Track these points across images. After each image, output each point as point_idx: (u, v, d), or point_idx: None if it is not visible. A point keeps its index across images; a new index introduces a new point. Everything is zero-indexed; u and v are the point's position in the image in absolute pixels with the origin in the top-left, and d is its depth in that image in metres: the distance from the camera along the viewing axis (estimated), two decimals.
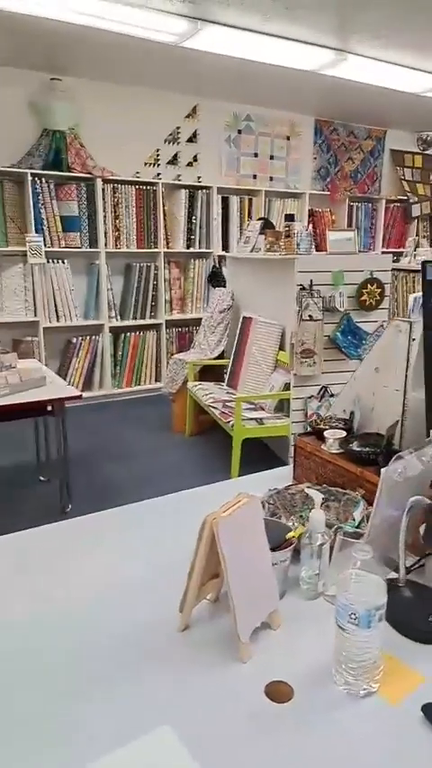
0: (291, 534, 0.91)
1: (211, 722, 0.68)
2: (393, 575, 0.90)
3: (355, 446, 1.16)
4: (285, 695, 0.72)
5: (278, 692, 0.72)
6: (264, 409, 3.28)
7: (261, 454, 3.44)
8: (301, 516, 1.10)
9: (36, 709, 0.70)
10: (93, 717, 0.69)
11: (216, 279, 4.95)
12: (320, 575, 0.90)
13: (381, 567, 0.88)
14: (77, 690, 0.73)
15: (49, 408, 2.59)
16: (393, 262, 3.26)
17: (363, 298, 3.07)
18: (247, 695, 0.72)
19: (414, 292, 4.54)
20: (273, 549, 0.87)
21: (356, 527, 1.00)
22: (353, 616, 0.68)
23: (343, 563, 0.83)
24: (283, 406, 3.20)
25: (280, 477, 1.37)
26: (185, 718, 0.68)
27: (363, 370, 1.30)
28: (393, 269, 3.43)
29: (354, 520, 1.03)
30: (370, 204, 5.89)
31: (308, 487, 1.13)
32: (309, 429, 2.92)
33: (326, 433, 1.22)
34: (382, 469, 0.83)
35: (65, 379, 3.86)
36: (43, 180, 4.10)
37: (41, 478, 3.12)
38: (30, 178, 4.01)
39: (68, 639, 0.82)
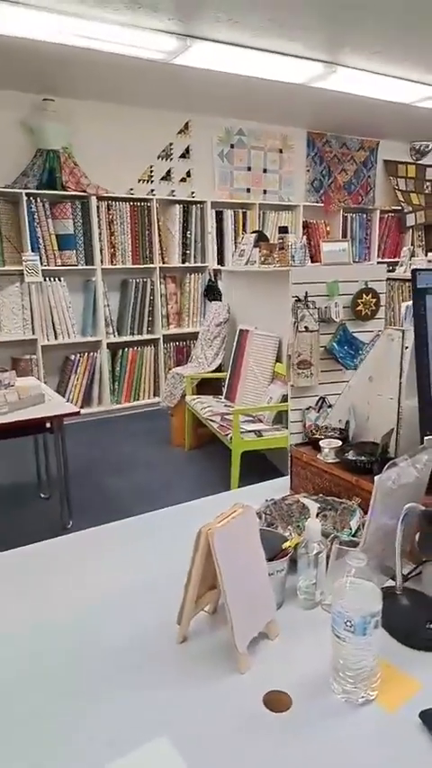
0: (287, 544, 0.91)
1: (210, 733, 0.68)
2: (390, 582, 0.90)
3: (350, 455, 1.17)
4: (284, 705, 0.72)
5: (277, 702, 0.72)
6: (262, 421, 3.28)
7: (260, 466, 3.43)
8: (298, 526, 1.10)
9: (36, 720, 0.70)
10: (91, 728, 0.69)
11: (212, 292, 4.99)
12: (318, 584, 0.91)
13: (377, 574, 0.88)
14: (76, 701, 0.73)
15: (48, 425, 2.59)
16: (388, 271, 3.29)
17: (358, 308, 3.07)
18: (245, 705, 0.72)
19: (408, 301, 4.58)
20: (269, 560, 0.87)
21: (353, 535, 1.01)
22: (348, 624, 0.69)
23: (339, 572, 0.83)
24: (281, 418, 3.20)
25: (277, 487, 1.38)
26: (184, 730, 0.68)
27: (357, 379, 1.31)
28: (388, 279, 3.46)
29: (350, 528, 1.04)
30: (364, 215, 5.96)
31: (304, 497, 1.14)
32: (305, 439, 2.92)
33: (321, 443, 1.23)
34: (376, 477, 0.84)
35: (64, 396, 3.88)
36: (38, 199, 4.16)
37: (42, 495, 3.11)
38: (25, 198, 4.07)
39: (68, 653, 0.82)
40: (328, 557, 0.92)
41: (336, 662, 0.72)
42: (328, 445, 1.22)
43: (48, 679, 0.77)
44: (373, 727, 0.68)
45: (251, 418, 3.31)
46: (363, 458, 1.16)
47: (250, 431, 3.10)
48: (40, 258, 4.18)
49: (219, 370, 3.95)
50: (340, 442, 1.23)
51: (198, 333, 4.36)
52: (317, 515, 1.06)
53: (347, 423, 1.32)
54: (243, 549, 0.82)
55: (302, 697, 0.73)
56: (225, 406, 3.55)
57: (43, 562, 1.08)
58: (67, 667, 0.79)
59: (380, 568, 0.91)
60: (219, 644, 0.83)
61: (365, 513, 1.08)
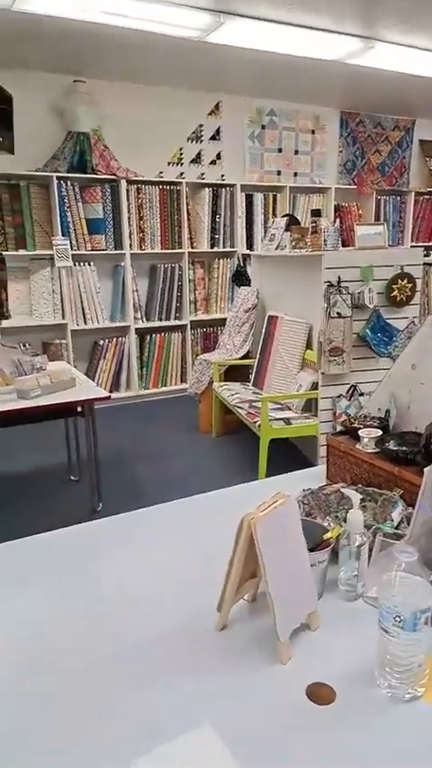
0: (328, 535, 0.89)
1: (253, 722, 0.67)
2: None
3: (391, 445, 1.14)
4: (327, 697, 0.71)
5: (320, 695, 0.71)
6: (291, 409, 3.25)
7: (288, 454, 3.41)
8: (336, 517, 1.08)
9: (76, 708, 0.70)
10: (133, 714, 0.69)
11: (240, 278, 4.93)
12: (359, 576, 0.89)
13: (423, 569, 0.86)
14: (117, 688, 0.73)
15: (79, 409, 2.62)
16: (424, 256, 3.18)
17: (393, 293, 3.01)
18: (288, 696, 0.71)
19: None
20: (310, 550, 0.85)
21: (395, 528, 0.98)
22: (398, 619, 0.67)
23: (383, 564, 0.81)
24: (310, 406, 3.16)
25: (311, 476, 1.35)
26: (226, 718, 0.68)
27: (398, 367, 1.27)
28: (424, 263, 3.35)
29: (392, 520, 1.01)
30: (398, 197, 5.78)
31: (343, 487, 1.11)
32: (338, 428, 2.88)
33: (361, 432, 1.20)
34: (426, 469, 0.81)
35: (93, 381, 3.91)
36: (68, 183, 4.16)
37: (72, 478, 3.16)
38: (55, 181, 4.07)
39: (103, 638, 0.82)
40: (370, 549, 0.90)
41: (382, 657, 0.70)
42: (368, 435, 1.18)
43: (86, 666, 0.77)
44: (421, 723, 0.66)
45: (279, 406, 3.27)
46: (405, 448, 1.12)
47: (279, 418, 3.07)
48: (70, 242, 4.20)
49: (246, 356, 3.92)
50: (380, 432, 1.19)
51: (226, 319, 4.33)
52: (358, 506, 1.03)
53: (387, 412, 1.28)
54: (285, 539, 0.80)
55: (346, 690, 0.72)
56: (253, 393, 3.52)
57: (78, 546, 1.09)
58: (103, 655, 0.79)
59: (425, 562, 0.88)
60: (259, 633, 0.82)
61: (408, 505, 1.05)
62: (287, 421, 3.06)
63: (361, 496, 1.07)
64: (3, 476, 3.24)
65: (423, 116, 5.79)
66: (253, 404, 3.28)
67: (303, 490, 1.14)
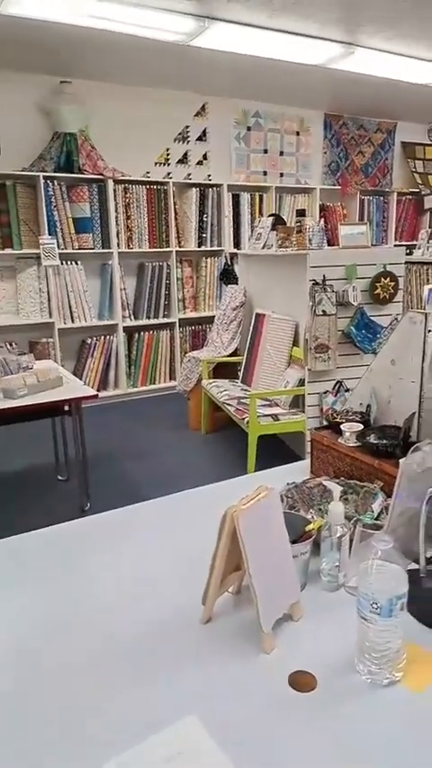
0: (310, 526, 0.91)
1: (238, 712, 0.69)
2: (414, 566, 0.90)
3: (372, 439, 1.16)
4: (309, 685, 0.73)
5: (302, 682, 0.73)
6: (279, 405, 3.28)
7: (277, 450, 3.44)
8: (319, 509, 1.10)
9: (64, 702, 0.71)
10: (120, 707, 0.70)
11: (228, 276, 4.96)
12: (341, 566, 0.91)
13: (401, 557, 0.88)
14: (103, 682, 0.74)
15: (67, 408, 2.62)
16: (406, 254, 3.23)
17: (376, 291, 3.05)
18: (271, 685, 0.73)
19: (429, 284, 4.49)
20: (293, 542, 0.87)
21: (375, 519, 1.01)
22: (375, 605, 0.69)
23: (363, 554, 0.83)
24: (298, 402, 3.19)
25: (297, 470, 1.38)
26: (212, 709, 0.69)
27: (378, 362, 1.30)
28: (407, 262, 3.40)
29: (372, 512, 1.03)
30: (381, 197, 5.84)
31: (326, 480, 1.14)
32: (325, 423, 2.91)
33: (343, 427, 1.22)
34: (401, 461, 0.84)
35: (80, 380, 3.90)
36: (55, 182, 4.14)
37: (60, 477, 3.16)
38: (42, 181, 4.06)
39: (92, 633, 0.84)
40: (351, 540, 0.92)
41: (361, 643, 0.73)
42: (350, 429, 1.21)
43: (72, 661, 0.78)
44: (399, 707, 0.69)
45: (267, 402, 3.30)
46: (384, 441, 1.15)
47: (267, 415, 3.10)
48: (57, 241, 4.18)
49: (235, 354, 3.94)
50: (362, 426, 1.22)
51: (214, 317, 4.35)
52: (339, 498, 1.06)
53: (368, 406, 1.30)
54: (268, 531, 0.82)
55: (327, 677, 0.74)
56: (241, 389, 3.54)
57: (64, 544, 1.09)
58: (91, 650, 0.80)
59: (403, 551, 0.91)
60: (243, 624, 0.84)
61: (388, 496, 1.07)
62: (275, 417, 3.09)
63: (342, 488, 1.09)
64: None
65: (404, 119, 5.86)
66: (241, 400, 3.30)
67: (287, 484, 1.16)
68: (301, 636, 0.82)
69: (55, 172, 4.14)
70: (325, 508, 1.09)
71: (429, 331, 1.19)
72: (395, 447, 1.11)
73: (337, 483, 1.12)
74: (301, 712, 0.69)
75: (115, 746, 0.64)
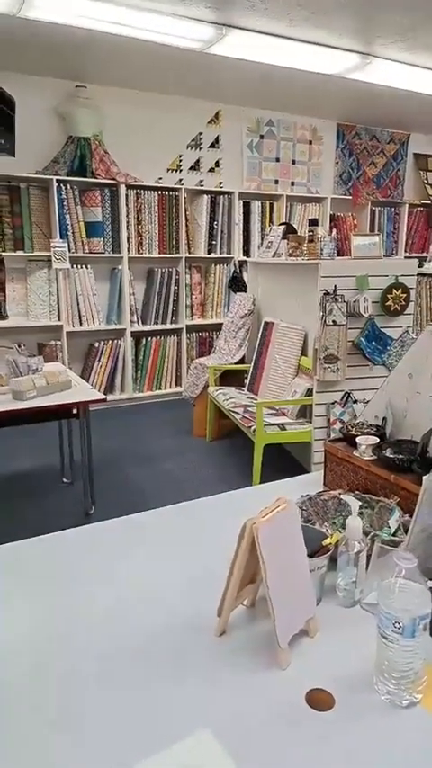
0: (327, 541, 0.90)
1: (253, 727, 0.68)
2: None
3: (388, 453, 1.15)
4: (326, 703, 0.71)
5: (319, 700, 0.71)
6: (285, 415, 3.26)
7: (282, 460, 3.42)
8: (334, 523, 1.09)
9: (75, 713, 0.70)
10: (134, 719, 0.69)
11: (237, 284, 4.96)
12: (357, 582, 0.89)
13: (420, 576, 0.87)
14: (113, 692, 0.73)
15: (74, 411, 2.62)
16: (418, 267, 3.22)
17: (387, 303, 3.04)
18: (287, 702, 0.71)
19: None
20: (309, 556, 0.86)
21: (392, 535, 0.99)
22: (397, 625, 0.67)
23: (381, 571, 0.82)
24: (305, 412, 3.18)
25: (308, 483, 1.37)
26: (226, 723, 0.68)
27: (395, 375, 1.29)
28: (418, 274, 3.39)
29: (389, 527, 1.02)
30: (392, 208, 5.85)
31: (341, 494, 1.12)
32: (334, 435, 2.89)
33: (358, 440, 1.21)
34: (425, 477, 0.82)
35: (87, 383, 3.89)
36: (68, 186, 4.17)
37: (65, 480, 3.15)
38: (55, 184, 4.08)
39: (101, 642, 0.82)
40: (368, 555, 0.91)
41: (381, 663, 0.71)
42: (366, 442, 1.20)
43: (80, 672, 0.77)
44: (419, 730, 0.67)
45: (274, 411, 3.29)
46: (401, 456, 1.14)
47: (273, 424, 3.09)
48: (68, 245, 4.20)
49: (242, 361, 3.93)
50: (378, 439, 1.21)
51: (221, 324, 4.35)
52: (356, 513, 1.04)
53: (384, 420, 1.29)
54: (286, 545, 0.81)
55: (345, 696, 0.72)
56: (248, 398, 3.53)
57: (74, 550, 1.08)
58: (102, 659, 0.79)
59: (422, 570, 0.89)
60: (258, 638, 0.83)
61: (404, 512, 1.06)
62: (282, 426, 3.07)
63: (359, 503, 1.08)
64: None
65: (418, 130, 5.88)
66: (248, 409, 3.29)
67: (302, 496, 1.15)
68: (317, 652, 0.80)
69: (68, 176, 4.16)
70: (340, 522, 1.08)
71: None
72: (412, 462, 1.09)
73: (353, 497, 1.10)
74: (318, 731, 0.67)
75: (123, 759, 0.63)
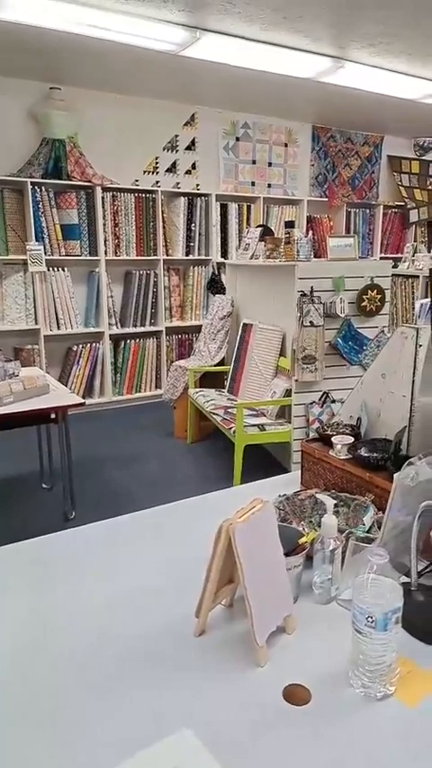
0: (303, 539, 0.92)
1: (232, 724, 0.69)
2: (405, 579, 0.91)
3: (363, 452, 1.17)
4: (303, 698, 0.73)
5: (296, 695, 0.73)
6: (265, 415, 3.29)
7: (262, 460, 3.45)
8: (311, 521, 1.11)
9: (55, 716, 0.70)
10: (113, 721, 0.69)
11: (215, 286, 4.98)
12: (333, 579, 0.91)
13: (393, 571, 0.89)
14: (95, 695, 0.73)
15: (53, 416, 2.59)
16: (392, 268, 3.29)
17: (363, 303, 3.09)
18: (265, 698, 0.73)
19: (414, 298, 4.58)
20: (286, 555, 0.88)
21: (367, 532, 1.01)
22: (370, 619, 0.69)
23: (355, 567, 0.84)
24: (284, 413, 3.21)
25: (286, 482, 1.38)
26: (206, 721, 0.69)
27: (369, 376, 1.31)
28: (392, 275, 3.46)
29: (363, 525, 1.04)
30: (368, 210, 5.94)
31: (317, 493, 1.15)
32: (312, 435, 2.93)
33: (334, 439, 1.23)
34: (395, 475, 0.85)
35: (66, 387, 3.86)
36: (43, 188, 4.13)
37: (44, 486, 3.12)
38: (30, 187, 4.04)
39: (82, 646, 0.83)
40: (343, 552, 0.93)
41: (355, 657, 0.73)
42: (341, 441, 1.22)
43: (63, 674, 0.77)
44: (394, 721, 0.69)
45: (254, 412, 3.31)
46: (376, 454, 1.16)
47: (253, 425, 3.11)
48: (44, 248, 4.16)
49: (221, 363, 3.95)
50: (353, 439, 1.23)
51: (201, 326, 4.36)
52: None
53: (359, 419, 1.32)
54: (262, 544, 0.82)
55: (321, 691, 0.74)
56: (228, 399, 3.55)
57: (51, 556, 1.08)
58: (81, 663, 0.79)
59: (394, 565, 0.92)
60: (236, 637, 0.84)
61: (379, 509, 1.09)
62: (261, 427, 3.10)
63: (335, 501, 1.10)
64: None
65: (391, 133, 5.99)
66: (228, 410, 3.31)
67: (279, 496, 1.17)
68: (294, 649, 0.82)
69: (43, 178, 4.13)
70: (316, 520, 1.10)
71: (420, 345, 1.21)
72: (386, 460, 1.12)
73: (329, 495, 1.13)
74: (295, 725, 0.69)
75: (108, 762, 0.64)
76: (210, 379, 3.94)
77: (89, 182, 4.30)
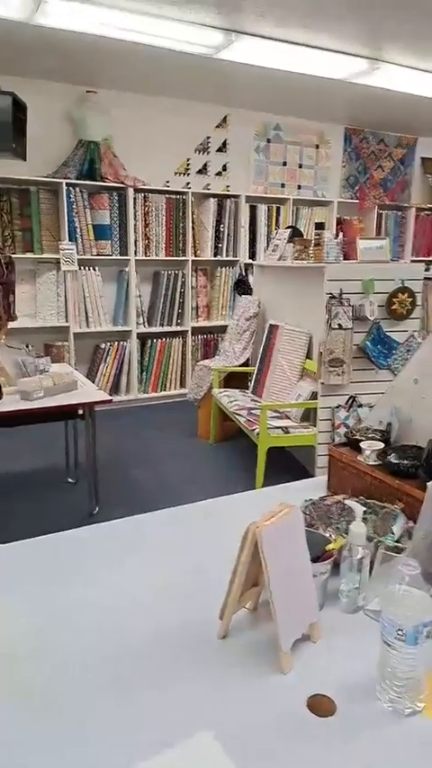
0: (331, 546, 0.90)
1: (254, 730, 0.68)
2: None
3: (393, 458, 1.15)
4: (328, 709, 0.71)
5: (321, 706, 0.72)
6: (289, 418, 3.26)
7: (285, 463, 3.42)
8: (337, 528, 1.09)
9: (78, 712, 0.71)
10: (135, 720, 0.69)
11: (242, 287, 4.96)
12: (360, 588, 0.89)
13: (424, 583, 0.87)
14: (117, 694, 0.74)
15: (80, 412, 2.63)
16: (424, 271, 3.21)
17: (393, 307, 3.03)
18: (289, 706, 0.72)
19: None
20: (312, 561, 0.86)
21: (396, 541, 0.99)
22: (400, 632, 0.67)
23: (384, 577, 0.82)
24: (309, 416, 3.18)
25: (312, 487, 1.37)
26: (228, 725, 0.68)
27: (401, 380, 1.29)
28: (424, 278, 3.38)
29: (393, 534, 1.02)
30: (399, 212, 5.84)
31: (345, 499, 1.13)
32: (338, 439, 2.89)
33: (363, 445, 1.21)
34: (429, 483, 0.82)
35: (93, 384, 3.91)
36: (77, 189, 4.19)
37: (69, 480, 3.16)
38: (65, 187, 4.11)
39: (102, 643, 0.83)
40: (371, 561, 0.91)
41: (383, 670, 0.71)
42: (370, 447, 1.20)
43: (80, 671, 0.78)
44: (421, 739, 0.67)
45: (278, 414, 3.29)
46: (406, 462, 1.14)
47: (277, 427, 3.08)
48: (77, 247, 4.23)
49: (246, 364, 3.94)
50: (382, 445, 1.21)
51: (226, 326, 4.35)
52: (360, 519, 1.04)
53: (389, 425, 1.29)
54: (289, 549, 0.81)
55: (346, 702, 0.72)
56: (252, 400, 3.54)
57: (77, 550, 1.09)
58: (104, 660, 0.79)
59: (426, 577, 0.89)
60: (260, 642, 0.83)
61: (408, 518, 1.06)
62: (285, 430, 3.07)
63: (364, 509, 1.08)
64: (1, 476, 3.24)
65: (425, 134, 5.87)
66: (252, 411, 3.29)
67: (305, 500, 1.15)
68: (319, 657, 0.81)
69: (77, 179, 4.19)
70: (343, 527, 1.08)
71: None
72: (417, 468, 1.09)
73: (357, 502, 1.10)
74: (319, 737, 0.67)
75: (128, 760, 0.63)
76: (235, 380, 3.93)
77: (122, 183, 4.34)
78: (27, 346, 2.72)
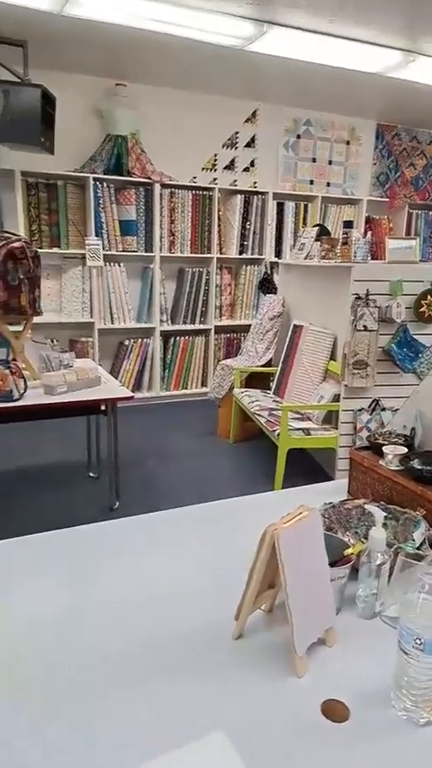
0: (349, 551, 0.89)
1: (267, 733, 0.68)
2: None
3: (416, 464, 1.13)
4: (342, 715, 0.71)
5: (335, 711, 0.71)
6: (311, 420, 3.23)
7: (305, 465, 3.39)
8: (356, 533, 1.08)
9: (89, 710, 0.71)
10: (147, 718, 0.70)
11: (267, 285, 4.94)
12: (378, 595, 0.88)
13: None
14: (129, 691, 0.74)
15: (103, 408, 2.66)
16: None
17: (421, 309, 2.98)
18: (301, 710, 0.71)
19: None
20: (330, 565, 0.85)
21: (417, 548, 0.97)
22: (418, 641, 0.66)
23: (403, 585, 0.81)
24: (331, 418, 3.14)
25: (332, 490, 1.35)
26: (240, 726, 0.68)
27: (426, 385, 1.26)
28: None
29: (414, 540, 1.00)
30: (430, 212, 5.71)
31: (365, 503, 1.11)
32: (360, 442, 2.85)
33: (385, 449, 1.19)
34: None
35: (116, 380, 3.95)
36: (104, 184, 4.23)
37: (91, 475, 3.20)
38: (92, 182, 4.15)
39: (116, 640, 0.83)
40: (390, 568, 0.89)
41: (399, 678, 0.70)
42: (393, 452, 1.18)
43: (93, 667, 0.78)
44: None
45: (299, 416, 3.26)
46: (430, 467, 1.11)
47: (298, 429, 3.06)
48: (102, 243, 4.27)
49: (268, 364, 3.91)
50: (406, 450, 1.19)
51: (250, 325, 4.34)
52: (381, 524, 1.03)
53: (413, 429, 1.27)
54: (307, 552, 0.80)
55: (361, 709, 0.71)
56: (273, 401, 3.52)
57: (95, 545, 1.10)
58: (114, 656, 0.80)
59: None
60: (275, 644, 0.83)
61: (430, 525, 1.04)
62: (306, 431, 3.04)
63: (384, 514, 1.06)
64: (24, 469, 3.30)
65: None
66: (273, 412, 3.28)
67: (324, 504, 1.14)
68: (334, 662, 0.80)
69: (105, 174, 4.22)
70: (363, 532, 1.06)
71: None
72: None
73: (378, 507, 1.09)
74: (331, 742, 0.67)
75: (139, 759, 0.64)
76: (256, 380, 3.92)
77: (149, 178, 4.36)
78: (52, 341, 2.76)
